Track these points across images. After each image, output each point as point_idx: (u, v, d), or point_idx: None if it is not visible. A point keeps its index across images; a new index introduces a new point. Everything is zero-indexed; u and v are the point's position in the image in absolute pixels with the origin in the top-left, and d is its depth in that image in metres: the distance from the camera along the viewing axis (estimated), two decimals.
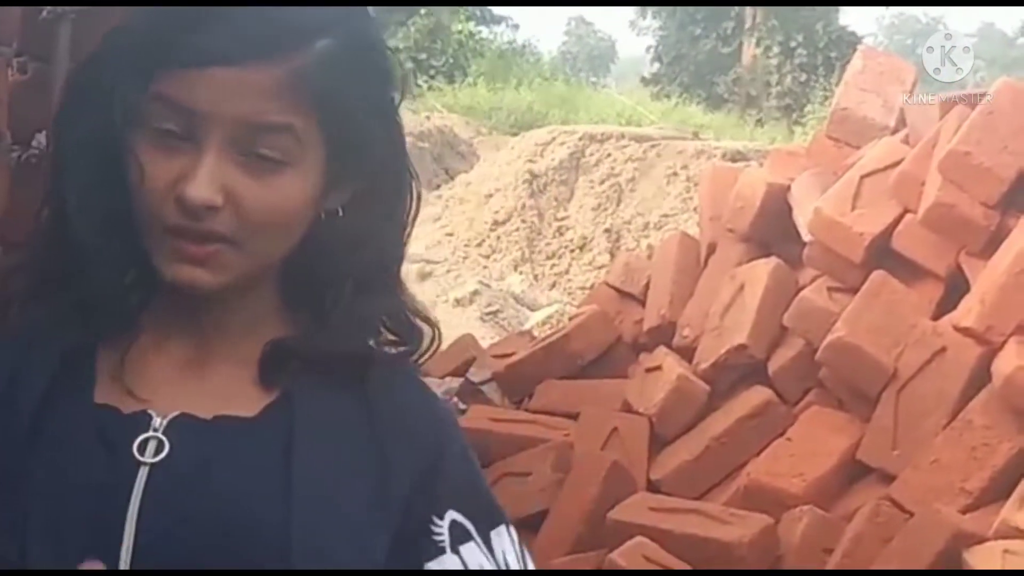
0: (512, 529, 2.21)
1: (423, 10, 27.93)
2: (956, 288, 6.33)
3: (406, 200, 2.14)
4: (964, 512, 5.71)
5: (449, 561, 2.08)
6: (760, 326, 6.53)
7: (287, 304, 2.12)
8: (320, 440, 2.03)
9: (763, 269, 6.76)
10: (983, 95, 6.57)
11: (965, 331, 5.99)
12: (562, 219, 12.59)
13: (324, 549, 1.98)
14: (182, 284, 1.98)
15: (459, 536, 2.11)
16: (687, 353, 6.81)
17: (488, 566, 2.12)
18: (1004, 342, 5.92)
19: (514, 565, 2.16)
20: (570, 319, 8.54)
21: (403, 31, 26.84)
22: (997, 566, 5.46)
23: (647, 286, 7.51)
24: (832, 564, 5.75)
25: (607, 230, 12.52)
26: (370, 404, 2.08)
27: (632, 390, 6.90)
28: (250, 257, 2.01)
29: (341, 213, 2.07)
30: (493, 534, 2.15)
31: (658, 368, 6.89)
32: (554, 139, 13.50)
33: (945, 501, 5.73)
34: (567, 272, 12.30)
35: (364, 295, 2.08)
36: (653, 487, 6.42)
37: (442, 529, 2.09)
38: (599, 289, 8.21)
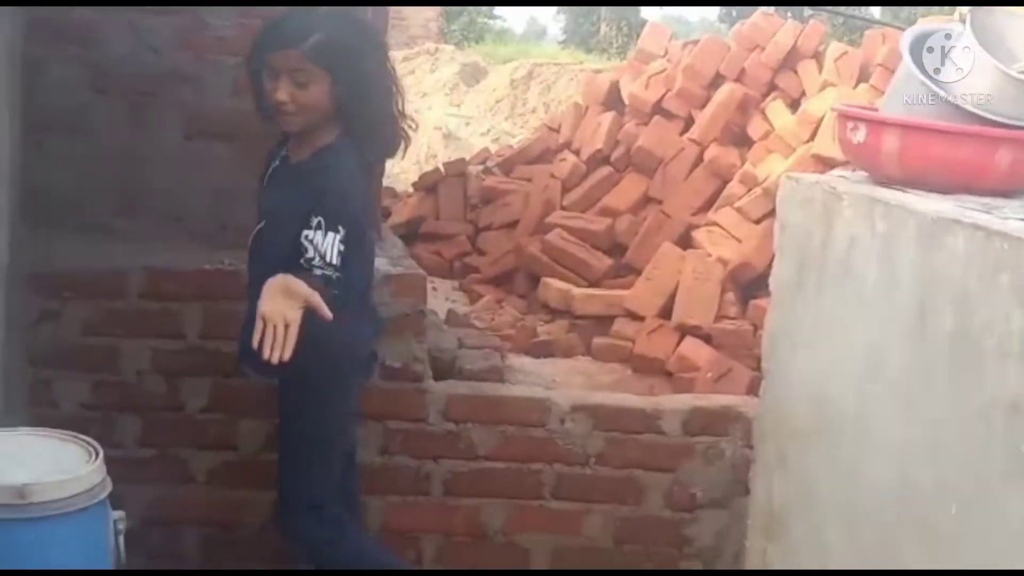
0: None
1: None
2: (690, 123, 7.09)
3: (379, 87, 2.62)
4: (692, 215, 6.64)
5: (310, 234, 2.46)
6: (608, 140, 7.27)
7: (340, 126, 2.61)
8: (301, 177, 2.61)
9: (608, 116, 7.44)
10: (699, 40, 7.47)
11: (693, 140, 6.91)
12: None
13: (285, 221, 2.55)
14: (284, 129, 2.66)
15: (318, 226, 2.46)
16: (576, 152, 7.47)
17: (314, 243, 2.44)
18: (709, 144, 6.89)
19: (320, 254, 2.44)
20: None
21: None
22: (705, 238, 6.36)
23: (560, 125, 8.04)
24: (636, 240, 6.43)
25: (545, 102, 13.40)
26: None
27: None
28: (305, 117, 2.58)
29: (342, 95, 2.55)
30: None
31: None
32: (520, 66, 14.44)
33: (684, 211, 6.64)
34: (534, 112, 13.45)
35: (360, 127, 2.63)
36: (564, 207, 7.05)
37: (313, 222, 2.46)
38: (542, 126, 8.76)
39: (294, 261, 2.50)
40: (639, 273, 6.30)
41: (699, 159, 7.01)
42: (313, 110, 2.59)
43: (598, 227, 6.88)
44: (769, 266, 3.06)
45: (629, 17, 25.51)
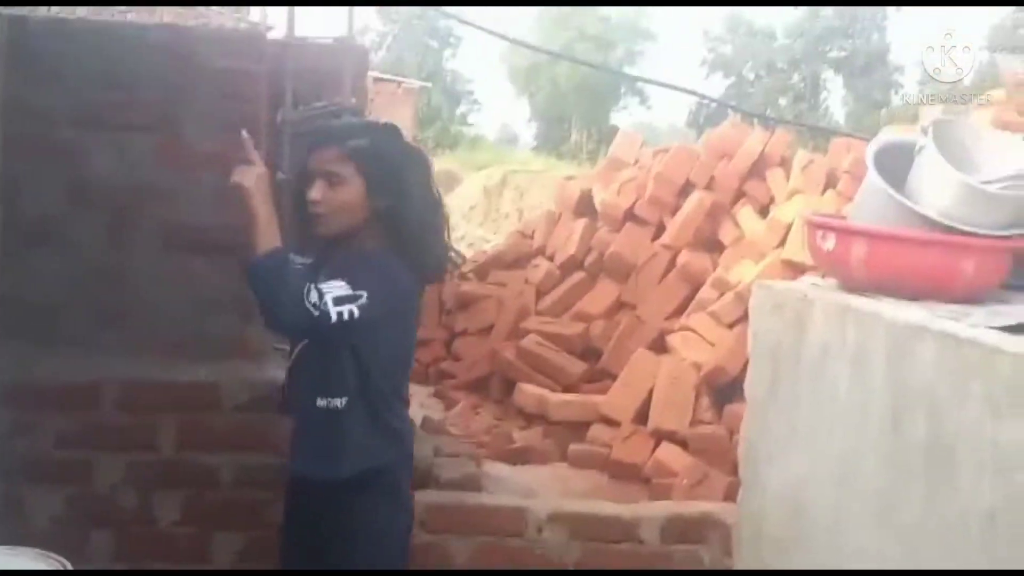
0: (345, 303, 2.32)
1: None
2: (661, 229, 7.29)
3: (420, 202, 2.53)
4: (666, 320, 6.77)
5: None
6: (581, 246, 7.52)
7: (380, 242, 2.50)
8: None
9: (581, 223, 7.74)
10: (669, 149, 7.72)
11: (666, 246, 7.05)
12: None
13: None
14: (314, 234, 2.52)
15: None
16: (551, 258, 7.70)
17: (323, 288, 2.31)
18: (681, 250, 7.04)
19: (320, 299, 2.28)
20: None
21: None
22: (680, 343, 6.36)
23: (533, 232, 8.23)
24: (610, 345, 6.54)
25: (518, 209, 13.70)
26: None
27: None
28: (337, 221, 2.50)
29: (382, 208, 2.48)
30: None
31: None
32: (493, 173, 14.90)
33: (658, 316, 6.74)
34: (507, 218, 13.96)
35: (408, 245, 2.50)
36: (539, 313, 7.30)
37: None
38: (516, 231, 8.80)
39: (338, 382, 2.48)
40: (614, 378, 6.35)
41: (671, 264, 7.15)
42: (344, 213, 2.51)
43: (572, 332, 6.96)
44: (743, 370, 3.04)
45: (600, 123, 26.03)
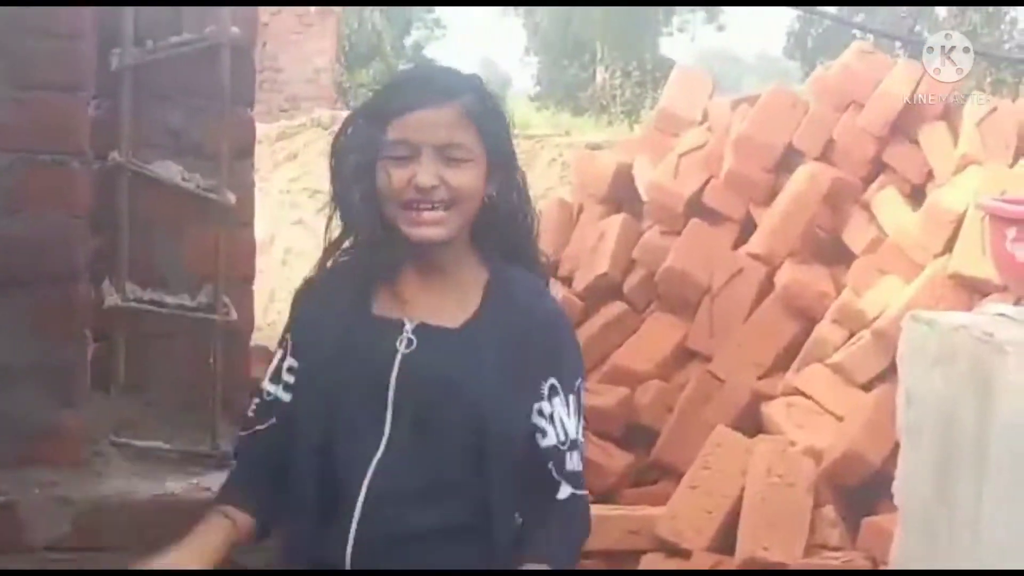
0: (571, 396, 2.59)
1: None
2: (748, 228, 7.31)
3: (521, 183, 2.67)
4: (760, 378, 6.80)
5: (546, 407, 2.55)
6: (616, 259, 7.46)
7: (477, 252, 2.65)
8: (497, 343, 2.55)
9: (616, 221, 7.69)
10: (759, 96, 7.69)
11: (755, 256, 7.08)
12: None
13: (504, 412, 2.50)
14: (420, 239, 2.55)
15: (552, 391, 2.57)
16: (567, 282, 7.69)
17: (562, 412, 2.55)
18: (781, 262, 7.01)
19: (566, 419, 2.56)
20: None
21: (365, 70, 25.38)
22: (784, 416, 6.48)
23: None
24: (670, 422, 6.75)
25: None
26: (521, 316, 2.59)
27: None
28: (458, 216, 2.56)
29: (494, 194, 2.59)
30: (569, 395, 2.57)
31: None
32: None
33: (746, 372, 6.79)
34: None
35: (520, 246, 2.66)
36: None
37: (544, 388, 2.55)
38: None
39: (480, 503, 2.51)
40: (679, 477, 6.22)
41: (766, 286, 7.04)
42: (466, 207, 2.58)
43: (607, 402, 6.87)
44: (891, 459, 3.26)
45: (642, 56, 25.48)
